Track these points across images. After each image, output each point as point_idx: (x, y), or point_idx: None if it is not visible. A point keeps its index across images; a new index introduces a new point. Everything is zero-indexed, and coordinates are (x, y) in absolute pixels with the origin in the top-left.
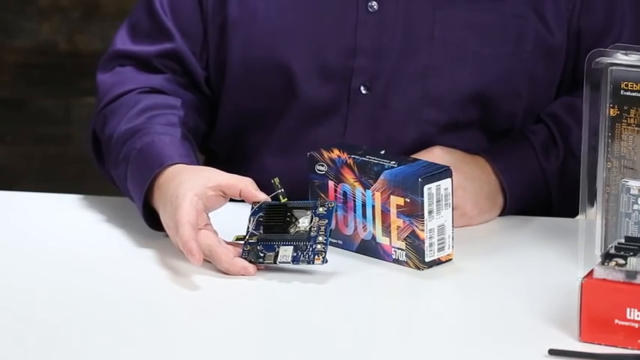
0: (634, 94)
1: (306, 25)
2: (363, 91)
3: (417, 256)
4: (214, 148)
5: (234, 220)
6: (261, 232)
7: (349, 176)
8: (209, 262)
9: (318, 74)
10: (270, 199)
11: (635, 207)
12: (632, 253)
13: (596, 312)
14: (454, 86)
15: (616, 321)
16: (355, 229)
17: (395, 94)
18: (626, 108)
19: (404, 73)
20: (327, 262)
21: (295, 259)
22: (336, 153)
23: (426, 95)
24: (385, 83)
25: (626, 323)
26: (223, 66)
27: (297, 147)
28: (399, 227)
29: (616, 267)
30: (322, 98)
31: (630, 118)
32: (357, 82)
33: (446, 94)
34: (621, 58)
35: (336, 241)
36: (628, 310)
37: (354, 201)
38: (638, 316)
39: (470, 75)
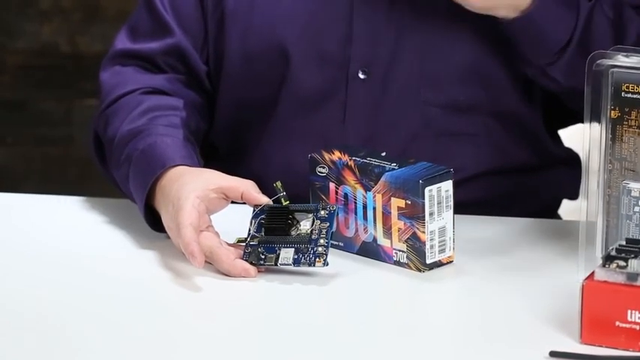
0: (635, 96)
1: (302, 12)
2: (361, 76)
3: (418, 258)
4: (214, 142)
5: (236, 223)
6: (263, 234)
7: (350, 178)
8: (210, 263)
9: (315, 61)
10: (271, 202)
11: (636, 209)
12: (633, 255)
13: (596, 314)
14: (450, 64)
15: (617, 323)
16: (356, 231)
17: (393, 78)
18: (627, 110)
19: (401, 56)
20: (328, 264)
21: (296, 262)
22: (337, 155)
23: (424, 76)
24: (383, 67)
25: (627, 325)
26: (221, 58)
27: (296, 135)
28: (400, 229)
29: (617, 269)
30: (320, 84)
31: (631, 120)
32: (354, 68)
33: (442, 73)
34: (622, 60)
35: (337, 243)
36: (629, 312)
37: (355, 203)
38: (639, 318)
39: (466, 52)
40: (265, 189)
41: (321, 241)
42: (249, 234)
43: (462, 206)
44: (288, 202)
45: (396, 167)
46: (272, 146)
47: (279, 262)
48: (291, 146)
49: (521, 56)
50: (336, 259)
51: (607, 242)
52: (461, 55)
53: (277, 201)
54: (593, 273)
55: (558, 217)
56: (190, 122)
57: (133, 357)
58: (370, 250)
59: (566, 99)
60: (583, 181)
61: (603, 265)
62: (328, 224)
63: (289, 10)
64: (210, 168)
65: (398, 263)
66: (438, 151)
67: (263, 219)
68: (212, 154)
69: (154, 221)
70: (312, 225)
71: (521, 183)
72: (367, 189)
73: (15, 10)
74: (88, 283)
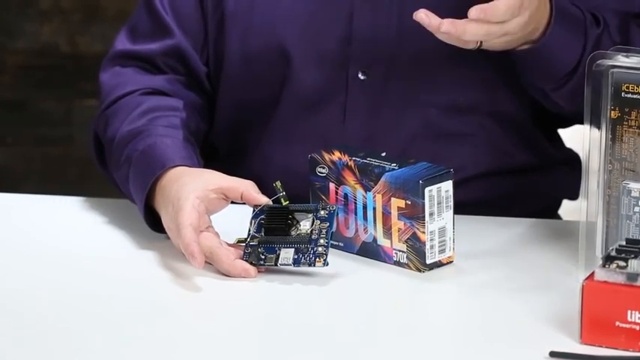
0: (635, 96)
1: (302, 12)
2: (361, 77)
3: (417, 258)
4: (214, 143)
5: (236, 223)
6: (263, 234)
7: (350, 178)
8: (210, 264)
9: (315, 61)
10: (271, 202)
11: (636, 209)
12: (633, 256)
13: (596, 314)
14: (450, 66)
15: (617, 323)
16: (356, 231)
17: (393, 79)
18: (627, 110)
19: (401, 57)
20: (328, 264)
21: (296, 262)
22: (337, 155)
23: (423, 77)
24: (383, 68)
25: (627, 325)
26: (221, 59)
27: (296, 135)
28: (399, 229)
29: (617, 269)
30: (320, 85)
31: (631, 120)
32: (354, 69)
33: (442, 75)
34: (622, 60)
35: (337, 243)
36: (629, 312)
37: (355, 203)
38: (639, 318)
39: (465, 54)
40: (265, 189)
41: (321, 241)
42: (249, 234)
43: (462, 207)
44: (287, 202)
45: (396, 167)
46: (272, 147)
47: (279, 262)
48: (291, 147)
49: (525, 80)
50: (336, 259)
51: (607, 242)
52: (460, 56)
53: (277, 201)
54: (593, 273)
55: (558, 218)
56: (190, 123)
57: (133, 357)
58: (370, 251)
59: (569, 117)
60: (583, 182)
61: (603, 266)
62: (328, 224)
63: (289, 11)
64: (211, 169)
65: (398, 263)
66: (437, 151)
67: (263, 219)
68: (212, 155)
69: (154, 222)
70: (312, 225)
71: (521, 183)
72: (367, 189)
73: (15, 10)
74: (88, 283)
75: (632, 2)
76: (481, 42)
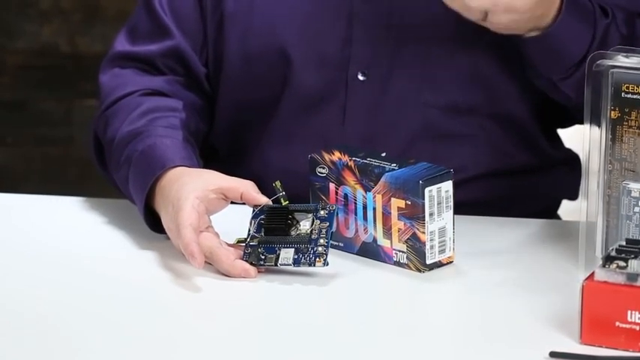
0: (635, 96)
1: (302, 12)
2: (361, 78)
3: (417, 258)
4: (214, 144)
5: (236, 223)
6: (263, 234)
7: (350, 179)
8: (210, 264)
9: (315, 62)
10: (271, 202)
11: (636, 209)
12: (633, 256)
13: (596, 314)
14: (450, 67)
15: (617, 323)
16: (356, 231)
17: (392, 80)
18: (627, 110)
19: (401, 58)
20: (328, 264)
21: (296, 262)
22: (336, 155)
23: (423, 78)
24: (383, 69)
25: (627, 326)
26: (221, 60)
27: (296, 136)
28: (399, 230)
29: (617, 269)
30: (320, 86)
31: (631, 120)
32: (354, 70)
33: (442, 76)
34: (622, 60)
35: (337, 243)
36: (629, 312)
37: (355, 203)
38: (639, 318)
39: (466, 55)
40: (265, 190)
41: (321, 240)
42: (248, 234)
43: (462, 207)
44: (287, 202)
45: (396, 168)
46: (272, 147)
47: (279, 262)
48: (291, 147)
49: (533, 70)
50: (336, 259)
51: (607, 242)
52: (461, 58)
53: (277, 201)
54: (593, 273)
55: (558, 218)
56: (190, 123)
57: (133, 357)
58: (370, 251)
59: (574, 112)
60: (583, 182)
61: (603, 266)
62: (328, 224)
63: (289, 12)
64: (210, 169)
65: (398, 264)
66: (437, 152)
67: (263, 219)
68: (212, 156)
69: (154, 222)
70: (312, 225)
71: (521, 184)
72: (367, 189)
73: (15, 10)
74: (88, 283)
75: (637, 2)
76: (486, 14)
